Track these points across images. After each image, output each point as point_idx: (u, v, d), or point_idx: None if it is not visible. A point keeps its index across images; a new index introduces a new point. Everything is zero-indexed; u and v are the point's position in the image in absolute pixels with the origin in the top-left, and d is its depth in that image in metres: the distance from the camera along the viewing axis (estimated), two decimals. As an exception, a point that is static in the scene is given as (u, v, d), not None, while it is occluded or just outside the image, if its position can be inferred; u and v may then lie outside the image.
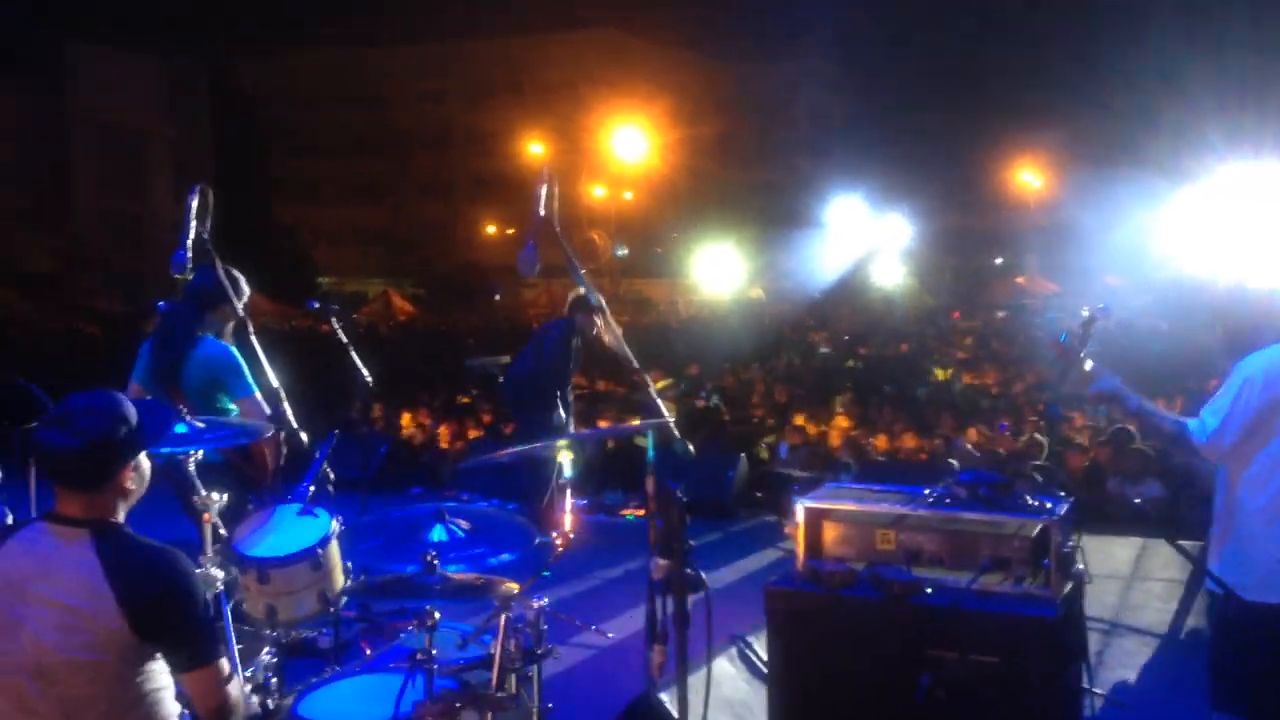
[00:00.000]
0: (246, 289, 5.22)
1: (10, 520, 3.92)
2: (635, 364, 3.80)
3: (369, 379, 6.21)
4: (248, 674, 3.79)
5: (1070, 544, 3.92)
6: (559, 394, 8.21)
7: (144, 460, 2.96)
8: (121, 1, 55.28)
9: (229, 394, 5.08)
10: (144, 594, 2.74)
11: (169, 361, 5.23)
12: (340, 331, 6.22)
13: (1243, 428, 3.44)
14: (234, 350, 5.17)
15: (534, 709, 3.78)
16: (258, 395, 5.07)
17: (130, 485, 2.90)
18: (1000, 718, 3.54)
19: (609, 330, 4.46)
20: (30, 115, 47.63)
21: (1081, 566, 4.07)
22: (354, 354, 6.23)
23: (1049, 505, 3.91)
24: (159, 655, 2.86)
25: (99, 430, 2.79)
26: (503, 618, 3.51)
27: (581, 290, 7.82)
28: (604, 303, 4.39)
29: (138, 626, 2.74)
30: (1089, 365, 3.74)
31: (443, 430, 12.02)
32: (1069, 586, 3.86)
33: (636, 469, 10.13)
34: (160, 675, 2.89)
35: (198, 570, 3.12)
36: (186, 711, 3.02)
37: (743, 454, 10.27)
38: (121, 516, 2.90)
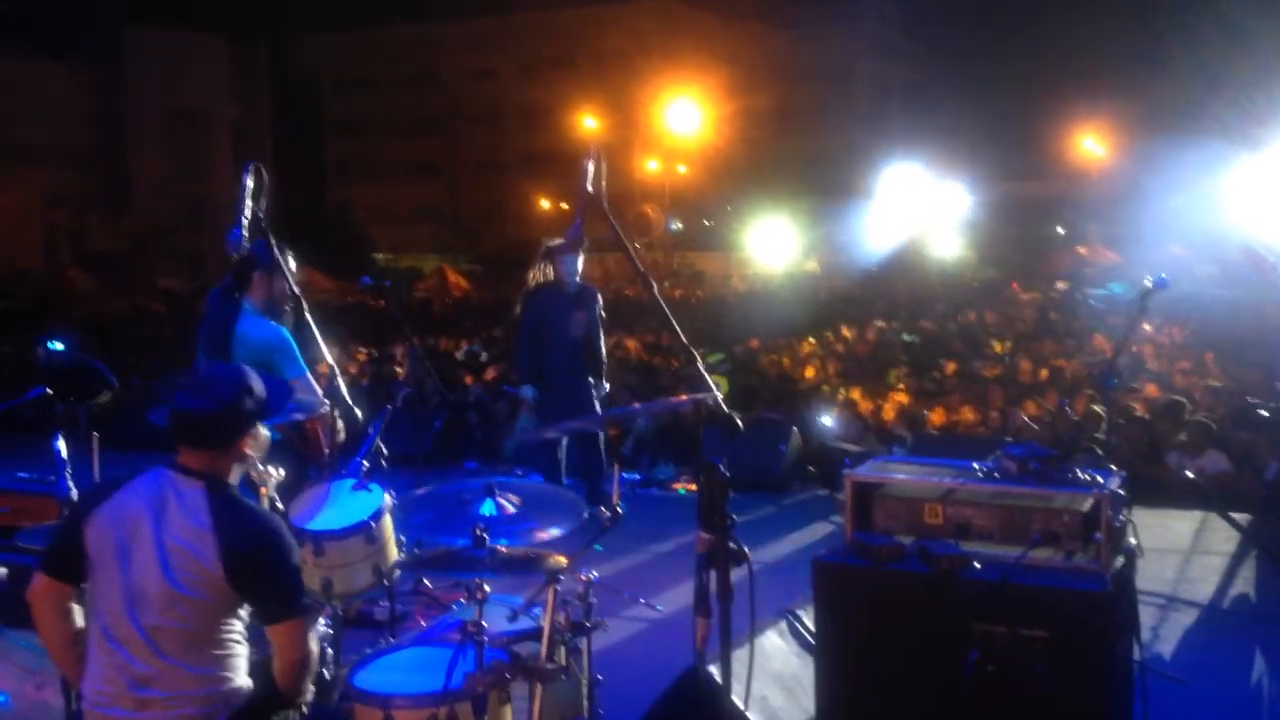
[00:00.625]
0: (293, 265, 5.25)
1: (74, 494, 4.04)
2: (684, 338, 3.80)
3: (423, 355, 6.29)
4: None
5: (1122, 517, 3.88)
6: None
7: (263, 430, 3.27)
8: (180, -16, 56.04)
9: (280, 374, 5.13)
10: (242, 544, 3.02)
11: (217, 337, 5.31)
12: (394, 308, 6.31)
13: None
14: (284, 331, 5.21)
15: (583, 680, 3.82)
16: (309, 376, 5.12)
17: (249, 450, 3.22)
18: (1050, 692, 3.52)
19: None
20: (94, 99, 48.58)
21: (1134, 540, 4.03)
22: (408, 330, 6.33)
23: (1100, 479, 3.86)
24: (244, 611, 3.12)
25: (230, 398, 3.13)
26: (551, 591, 3.55)
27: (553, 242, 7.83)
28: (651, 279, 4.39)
29: (231, 575, 3.01)
30: None
31: (497, 405, 12.10)
32: (1120, 560, 3.82)
33: (688, 443, 10.17)
34: (239, 631, 3.14)
35: None
36: (250, 680, 3.15)
37: (794, 428, 10.24)
38: (235, 479, 3.20)
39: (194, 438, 3.13)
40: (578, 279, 7.95)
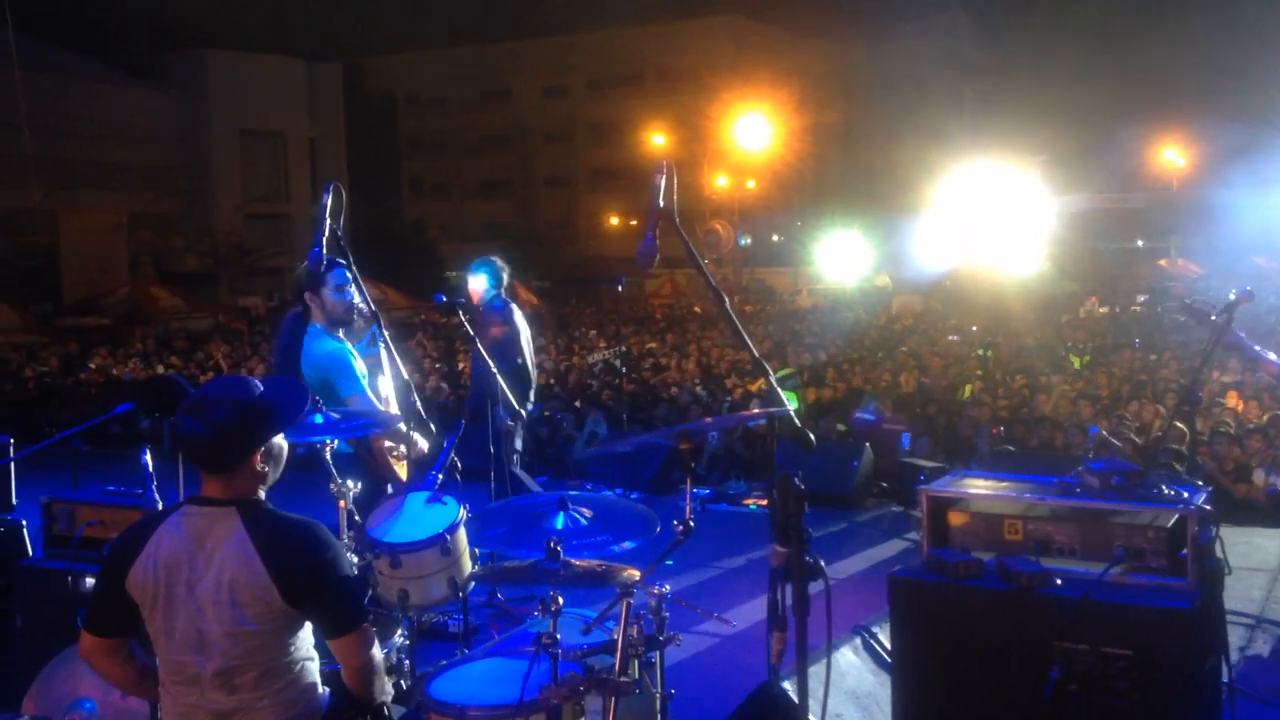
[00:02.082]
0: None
1: (160, 507, 4.14)
2: (756, 353, 3.79)
3: (494, 370, 6.35)
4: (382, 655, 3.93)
5: (1208, 534, 3.78)
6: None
7: (278, 443, 3.11)
8: (259, 8, 57.45)
9: (338, 392, 5.16)
10: (294, 564, 2.93)
11: (286, 357, 5.41)
12: (467, 324, 6.38)
13: None
14: (344, 348, 5.22)
15: (657, 694, 3.82)
16: (368, 393, 5.16)
17: (262, 468, 3.05)
18: (1133, 713, 3.44)
19: None
20: (177, 120, 49.95)
21: (1221, 557, 3.92)
22: (480, 346, 6.39)
23: (1185, 494, 3.77)
24: (306, 624, 3.04)
25: (226, 418, 2.95)
26: (625, 604, 3.55)
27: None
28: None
29: (288, 595, 2.92)
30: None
31: (563, 420, 12.18)
32: (1207, 578, 3.72)
33: (759, 458, 10.13)
34: (306, 646, 3.07)
35: None
36: (326, 689, 3.17)
37: (867, 443, 10.14)
38: (262, 495, 3.06)
39: (202, 463, 3.00)
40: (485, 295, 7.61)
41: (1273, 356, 5.27)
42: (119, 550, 3.03)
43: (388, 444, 5.16)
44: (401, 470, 5.37)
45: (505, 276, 7.73)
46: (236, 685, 2.94)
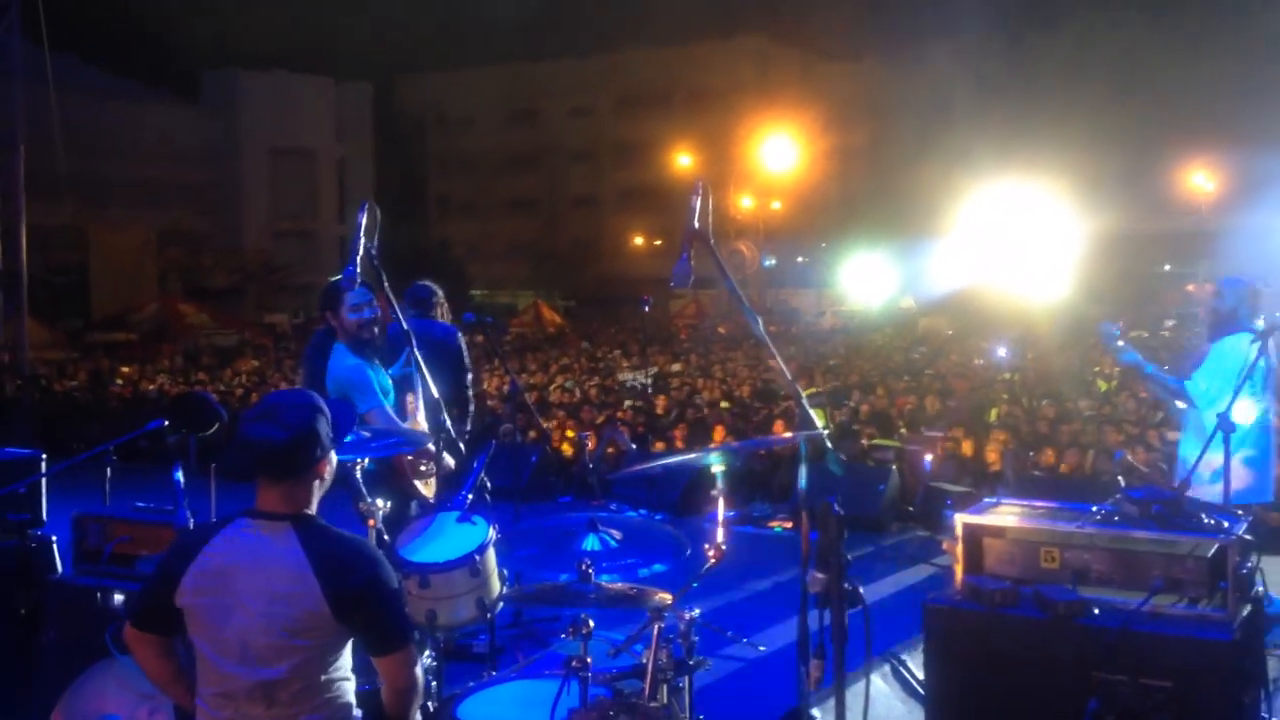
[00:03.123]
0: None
1: (191, 524, 4.14)
2: (788, 375, 3.77)
3: (520, 390, 6.35)
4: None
5: (1249, 564, 3.72)
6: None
7: (334, 453, 3.14)
8: (291, 28, 58.07)
9: (357, 407, 5.15)
10: (347, 582, 2.93)
11: (312, 373, 5.45)
12: (494, 344, 6.39)
13: None
14: (362, 365, 5.25)
15: (685, 719, 3.78)
16: (387, 409, 5.18)
17: (327, 475, 3.09)
18: (1173, 746, 3.38)
19: None
20: (209, 139, 50.52)
21: (1262, 588, 3.86)
22: (506, 365, 6.40)
23: (1226, 524, 3.71)
24: (348, 643, 3.04)
25: (303, 422, 2.99)
26: (655, 628, 3.53)
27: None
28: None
29: (339, 612, 2.92)
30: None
31: (591, 440, 12.15)
32: (1247, 609, 3.66)
33: (783, 481, 10.07)
34: (346, 665, 3.08)
35: None
36: (359, 711, 3.16)
37: (894, 467, 10.07)
38: (315, 509, 3.08)
39: (272, 469, 2.99)
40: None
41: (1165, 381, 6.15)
42: (171, 558, 3.06)
43: (417, 462, 5.16)
44: (428, 489, 5.36)
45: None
46: (276, 699, 2.95)
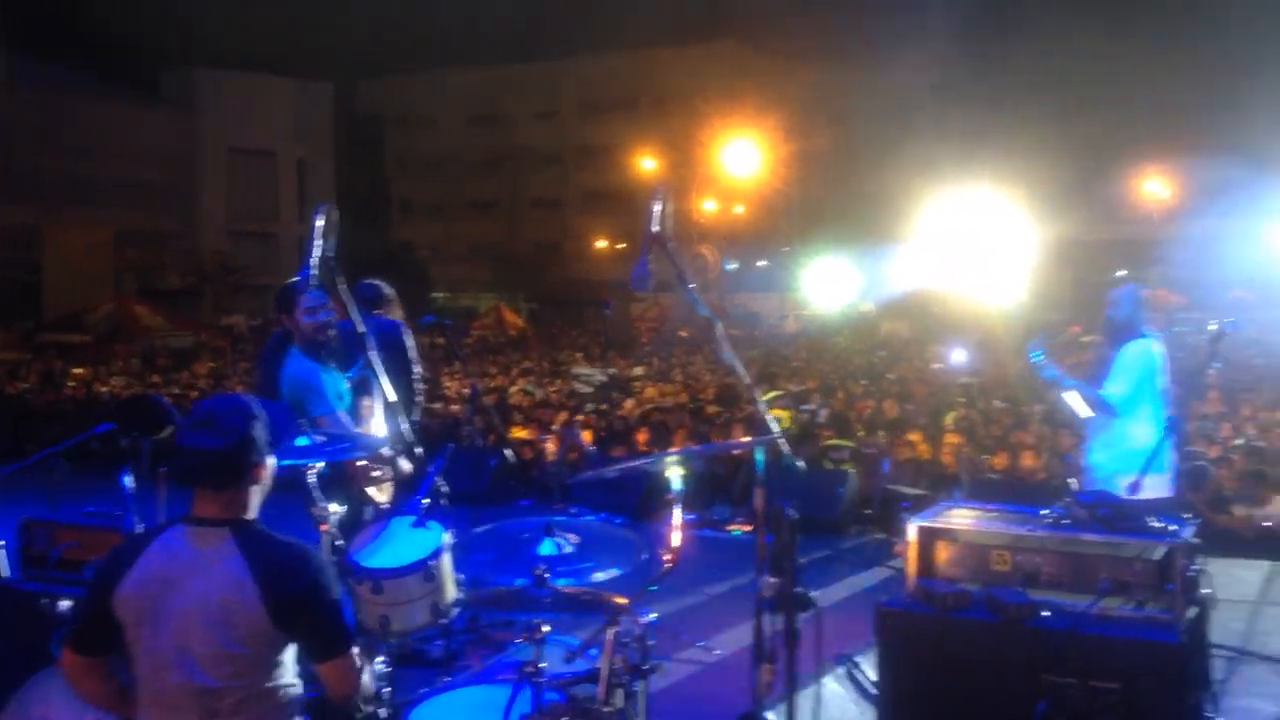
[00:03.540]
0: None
1: (141, 528, 4.09)
2: (747, 379, 3.78)
3: (480, 393, 6.32)
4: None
5: (1195, 567, 3.78)
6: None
7: (271, 458, 3.10)
8: (252, 28, 57.53)
9: (309, 412, 5.10)
10: (287, 588, 2.89)
11: (267, 377, 5.41)
12: (455, 347, 6.36)
13: None
14: (315, 368, 5.23)
15: (640, 724, 3.78)
16: (338, 414, 5.15)
17: (265, 480, 3.05)
18: (1121, 747, 3.42)
19: None
20: (167, 139, 49.91)
21: (1207, 591, 3.92)
22: (467, 369, 6.37)
23: (1173, 527, 3.77)
24: (290, 650, 2.99)
25: (243, 428, 2.96)
26: (610, 632, 3.52)
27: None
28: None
29: (279, 619, 2.88)
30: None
31: (551, 443, 12.13)
32: (1193, 611, 3.72)
33: (743, 484, 10.10)
34: (289, 673, 3.03)
35: None
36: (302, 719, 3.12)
37: (852, 470, 10.13)
38: (254, 514, 3.04)
39: (211, 477, 2.96)
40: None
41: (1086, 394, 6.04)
42: (107, 567, 3.00)
43: (370, 468, 5.13)
44: (382, 493, 5.33)
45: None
46: (216, 709, 2.90)
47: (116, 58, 49.32)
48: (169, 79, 51.47)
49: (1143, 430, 5.71)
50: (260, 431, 2.99)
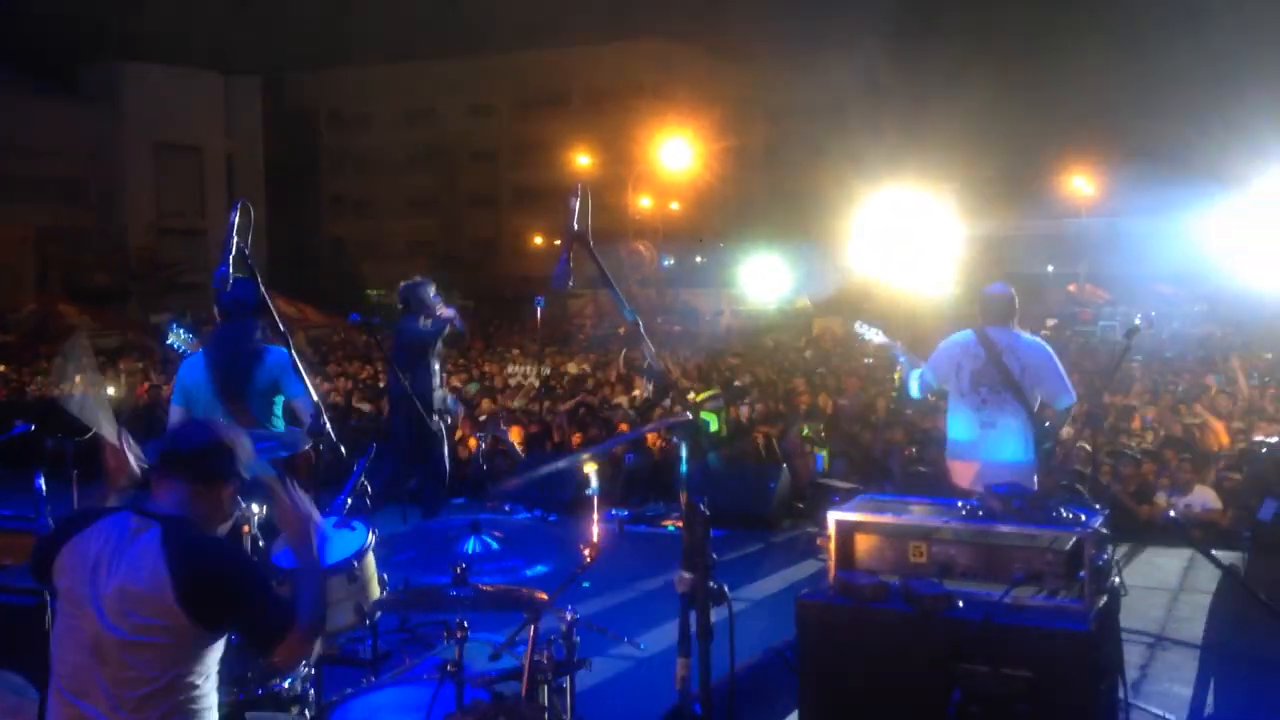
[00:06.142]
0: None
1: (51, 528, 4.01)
2: (659, 371, 3.79)
3: (410, 391, 6.29)
4: (284, 685, 3.84)
5: (1105, 556, 3.88)
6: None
7: (236, 491, 3.18)
8: (178, 21, 56.43)
9: (287, 392, 5.10)
10: (199, 582, 2.89)
11: (240, 377, 5.32)
12: (382, 344, 6.31)
13: None
14: (286, 351, 5.23)
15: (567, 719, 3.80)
16: (312, 395, 5.12)
17: (227, 505, 3.14)
18: (1034, 733, 3.50)
19: None
20: (91, 134, 48.75)
21: (1118, 579, 4.03)
22: (394, 366, 6.33)
23: (1083, 517, 3.86)
24: (212, 651, 3.00)
25: (226, 437, 3.15)
26: (532, 629, 3.53)
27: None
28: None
29: (197, 615, 2.89)
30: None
31: (471, 442, 12.05)
32: (1104, 599, 3.81)
33: (677, 480, 10.14)
34: (204, 674, 3.00)
35: None
36: None
37: (784, 465, 10.22)
38: (221, 529, 3.14)
39: (180, 469, 3.04)
40: None
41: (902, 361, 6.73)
42: (52, 534, 3.11)
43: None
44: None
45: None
46: (123, 700, 2.88)
47: (36, 51, 48.15)
48: (90, 72, 50.27)
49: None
50: (240, 451, 3.14)
